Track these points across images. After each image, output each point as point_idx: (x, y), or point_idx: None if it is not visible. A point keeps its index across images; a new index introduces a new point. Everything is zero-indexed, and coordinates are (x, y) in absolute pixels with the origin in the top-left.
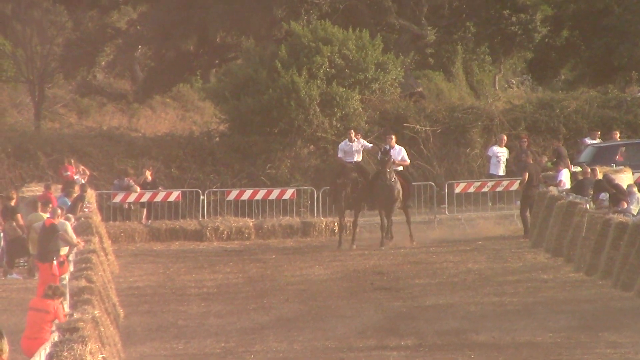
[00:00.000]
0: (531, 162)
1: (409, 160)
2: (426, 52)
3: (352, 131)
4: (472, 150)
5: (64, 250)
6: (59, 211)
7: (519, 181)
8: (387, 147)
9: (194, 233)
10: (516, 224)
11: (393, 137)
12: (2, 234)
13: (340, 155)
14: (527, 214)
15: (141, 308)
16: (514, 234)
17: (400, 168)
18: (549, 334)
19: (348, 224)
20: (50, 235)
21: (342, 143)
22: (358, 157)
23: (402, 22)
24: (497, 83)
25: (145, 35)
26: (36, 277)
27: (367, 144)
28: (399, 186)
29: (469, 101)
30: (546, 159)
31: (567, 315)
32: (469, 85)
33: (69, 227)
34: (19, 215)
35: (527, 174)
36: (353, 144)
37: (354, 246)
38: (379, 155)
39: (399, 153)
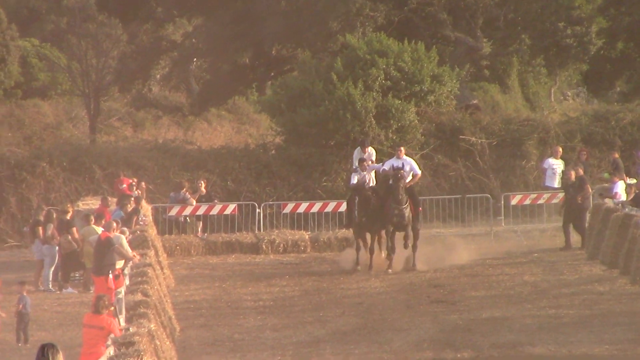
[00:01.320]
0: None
1: (420, 172)
2: (481, 64)
3: (364, 162)
4: (528, 163)
5: (120, 264)
6: (114, 224)
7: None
8: (402, 162)
9: (250, 246)
10: (572, 236)
11: (402, 148)
12: (57, 248)
13: (353, 182)
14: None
15: (197, 322)
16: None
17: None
18: (606, 346)
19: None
20: (106, 249)
21: (354, 173)
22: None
23: (457, 34)
24: (552, 95)
25: (201, 48)
26: (91, 291)
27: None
28: (408, 211)
29: (524, 113)
30: (606, 173)
31: (624, 328)
32: (524, 98)
33: (124, 240)
34: (74, 229)
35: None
36: (366, 172)
37: (372, 271)
38: (390, 170)
39: (407, 164)
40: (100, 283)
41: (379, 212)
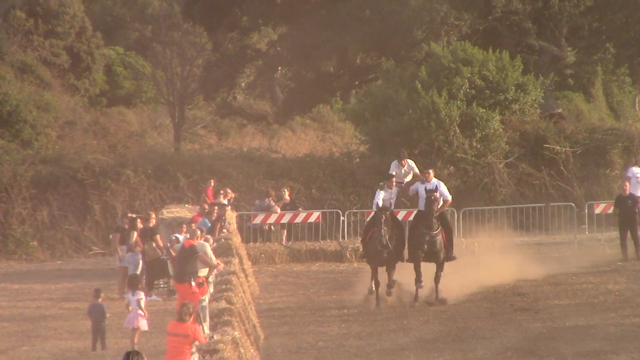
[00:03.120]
0: None
1: (450, 198)
2: (566, 73)
3: (393, 179)
4: (612, 171)
5: (204, 272)
6: (199, 232)
7: None
8: (435, 185)
9: (334, 254)
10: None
11: (431, 171)
12: (140, 255)
13: (378, 201)
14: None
15: (281, 329)
16: None
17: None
18: None
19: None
20: (189, 257)
21: (379, 191)
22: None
23: (541, 43)
24: (637, 104)
25: (285, 57)
26: (174, 297)
27: (415, 169)
28: (440, 238)
29: (608, 122)
30: None
31: None
32: (608, 106)
33: (208, 248)
34: (158, 236)
35: None
36: (392, 190)
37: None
38: (423, 191)
39: (438, 188)
40: (184, 290)
41: (402, 240)
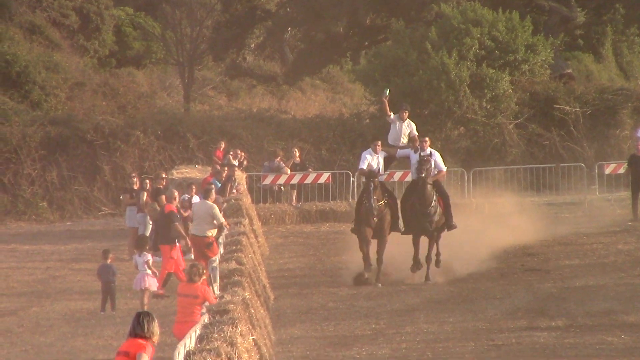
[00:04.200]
0: None
1: (445, 169)
2: (575, 33)
3: (379, 143)
4: (622, 132)
5: (213, 232)
6: (213, 192)
7: None
8: (428, 151)
9: (344, 215)
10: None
11: (427, 139)
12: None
13: (363, 166)
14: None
15: (291, 290)
16: None
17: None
18: None
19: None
20: (168, 222)
21: (366, 152)
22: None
23: (551, 3)
24: None
25: (295, 17)
26: (185, 258)
27: (414, 130)
28: (438, 212)
29: (618, 83)
30: None
31: None
32: (618, 67)
33: (216, 209)
34: (162, 197)
35: None
36: (378, 155)
37: (379, 284)
38: (415, 160)
39: (432, 158)
40: (165, 251)
41: (394, 208)
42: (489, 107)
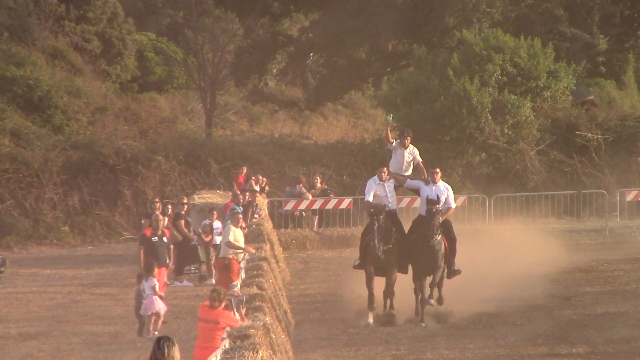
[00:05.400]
0: None
1: (454, 206)
2: (597, 60)
3: (385, 169)
4: None
5: (236, 255)
6: (241, 217)
7: None
8: (438, 193)
9: None
10: None
11: (439, 171)
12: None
13: (369, 198)
14: None
15: (312, 316)
16: None
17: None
18: None
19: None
20: (166, 246)
21: (371, 181)
22: (392, 203)
23: (573, 30)
24: None
25: (317, 43)
26: (206, 283)
27: (417, 157)
28: (443, 248)
29: None
30: None
31: None
32: None
33: (231, 232)
34: (181, 222)
35: None
36: (385, 183)
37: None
38: (425, 195)
39: (443, 193)
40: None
41: (402, 246)
42: (510, 133)
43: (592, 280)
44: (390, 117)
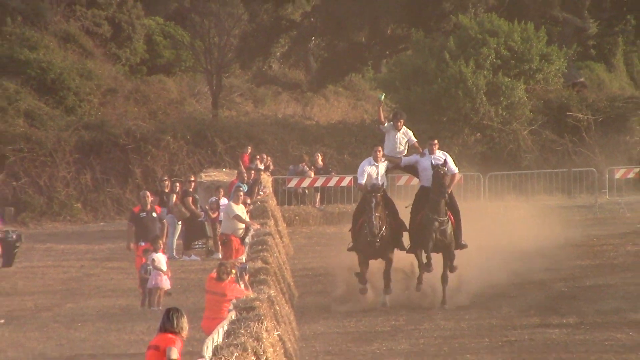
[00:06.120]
0: None
1: (457, 171)
2: (588, 44)
3: (380, 149)
4: (632, 138)
5: (235, 231)
6: (242, 194)
7: None
8: (441, 158)
9: None
10: None
11: (437, 141)
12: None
13: (362, 180)
14: None
15: (315, 288)
16: None
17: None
18: None
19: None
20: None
21: (365, 162)
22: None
23: (565, 15)
24: None
25: (319, 27)
26: (213, 257)
27: (412, 137)
28: (450, 226)
29: (629, 91)
30: None
31: None
32: (629, 76)
33: (233, 208)
34: (189, 199)
35: None
36: (379, 164)
37: (387, 304)
38: (425, 164)
39: (441, 160)
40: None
41: (397, 225)
42: (504, 114)
43: (583, 255)
44: (381, 96)
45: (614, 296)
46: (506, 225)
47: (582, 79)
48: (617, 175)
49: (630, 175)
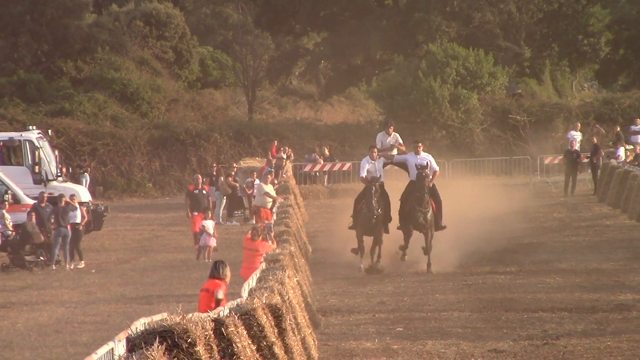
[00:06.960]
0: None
1: (438, 168)
2: (524, 64)
3: (375, 150)
4: (557, 134)
5: (264, 204)
6: (269, 176)
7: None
8: (425, 160)
9: None
10: (587, 186)
11: (421, 144)
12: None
13: (363, 174)
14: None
15: (323, 245)
16: (585, 193)
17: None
18: (611, 262)
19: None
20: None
21: (364, 160)
22: (381, 177)
23: (507, 43)
24: (573, 87)
25: (326, 54)
26: (248, 223)
27: (399, 140)
28: (430, 212)
29: (554, 99)
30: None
31: (624, 250)
32: (554, 88)
33: (263, 187)
34: (230, 179)
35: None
36: (376, 161)
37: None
38: (413, 162)
39: (426, 160)
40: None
41: (388, 212)
42: (462, 116)
43: (521, 220)
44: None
45: (544, 250)
46: (465, 199)
47: (519, 91)
48: (546, 161)
49: (556, 161)
